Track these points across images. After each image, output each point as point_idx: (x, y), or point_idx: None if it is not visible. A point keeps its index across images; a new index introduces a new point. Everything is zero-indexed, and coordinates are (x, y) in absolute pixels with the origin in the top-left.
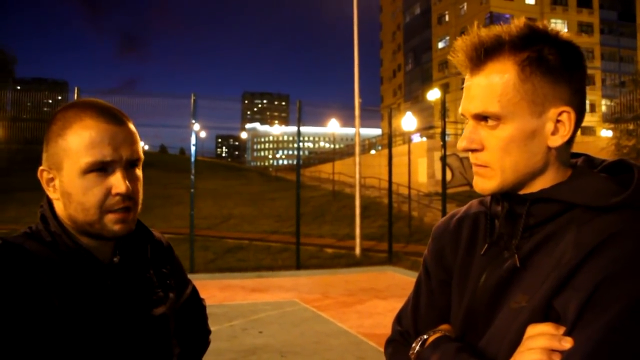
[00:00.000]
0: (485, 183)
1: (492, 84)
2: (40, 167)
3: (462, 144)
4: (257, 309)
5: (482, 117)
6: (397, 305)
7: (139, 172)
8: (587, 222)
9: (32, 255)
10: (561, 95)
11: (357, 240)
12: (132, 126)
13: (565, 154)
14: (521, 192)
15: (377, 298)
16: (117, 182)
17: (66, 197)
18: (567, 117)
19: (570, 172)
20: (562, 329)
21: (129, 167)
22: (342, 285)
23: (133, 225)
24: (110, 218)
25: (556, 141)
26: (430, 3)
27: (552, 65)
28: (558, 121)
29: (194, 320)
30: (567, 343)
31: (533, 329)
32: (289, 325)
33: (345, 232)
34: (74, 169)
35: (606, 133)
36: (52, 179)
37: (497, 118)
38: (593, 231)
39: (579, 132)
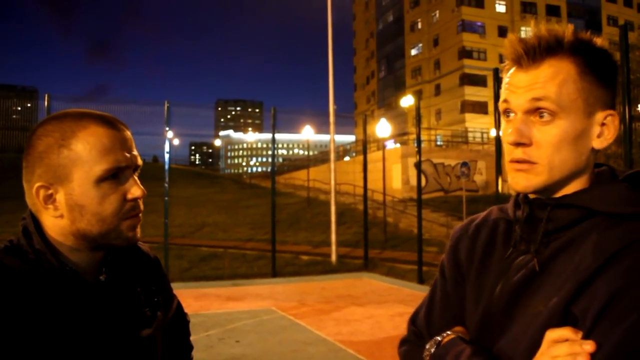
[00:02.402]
0: (530, 180)
1: (553, 76)
2: (37, 184)
3: (510, 137)
4: (234, 318)
5: (535, 110)
6: (374, 311)
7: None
8: (608, 229)
9: (11, 272)
10: (607, 100)
11: (333, 247)
12: (129, 132)
13: (594, 160)
14: (557, 194)
15: (354, 305)
16: (133, 187)
17: (77, 211)
18: (612, 121)
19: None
20: (580, 333)
21: (134, 173)
22: (319, 293)
23: (140, 232)
24: (125, 225)
25: (601, 143)
26: (403, 11)
27: (603, 71)
28: (603, 124)
29: (178, 337)
30: (588, 346)
31: (552, 334)
32: (266, 334)
33: (321, 238)
34: (87, 178)
35: None
36: (51, 196)
37: (553, 113)
38: (613, 238)
39: None
